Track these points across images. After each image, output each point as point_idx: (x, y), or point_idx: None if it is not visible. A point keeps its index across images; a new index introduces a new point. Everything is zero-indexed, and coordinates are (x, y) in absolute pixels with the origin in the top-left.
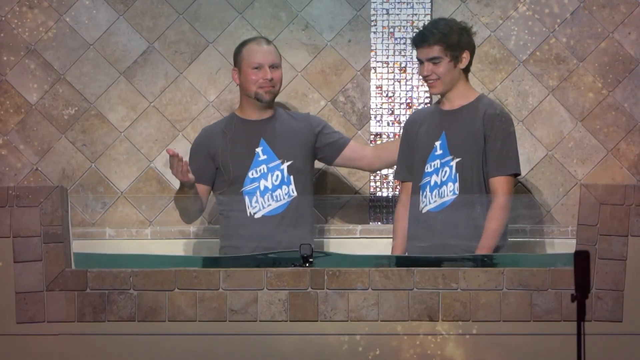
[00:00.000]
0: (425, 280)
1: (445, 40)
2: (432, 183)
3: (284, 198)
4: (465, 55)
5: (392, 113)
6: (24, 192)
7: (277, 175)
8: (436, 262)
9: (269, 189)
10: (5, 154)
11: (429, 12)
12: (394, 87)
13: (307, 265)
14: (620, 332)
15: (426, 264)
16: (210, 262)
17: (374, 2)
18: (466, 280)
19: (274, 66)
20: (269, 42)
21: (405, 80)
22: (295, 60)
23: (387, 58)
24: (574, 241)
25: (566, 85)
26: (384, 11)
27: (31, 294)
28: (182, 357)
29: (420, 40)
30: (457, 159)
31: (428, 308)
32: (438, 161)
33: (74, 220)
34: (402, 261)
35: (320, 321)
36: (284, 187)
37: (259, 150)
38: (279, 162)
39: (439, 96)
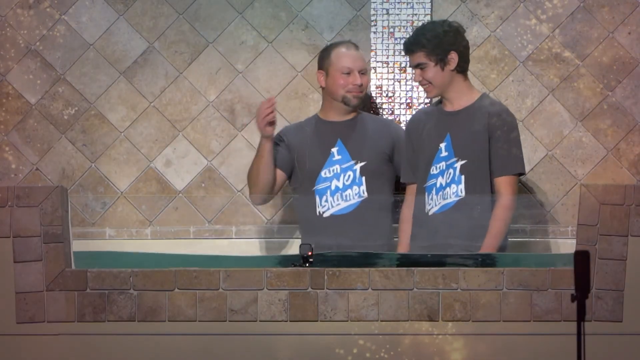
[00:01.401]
0: (425, 280)
1: (426, 46)
2: (438, 185)
3: (353, 198)
4: (452, 57)
5: (392, 113)
6: (24, 192)
7: (349, 176)
8: (437, 262)
9: (340, 188)
10: (5, 154)
11: (429, 12)
12: (394, 87)
13: (307, 265)
14: (620, 332)
15: (427, 263)
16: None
17: (374, 2)
18: (466, 280)
19: (363, 72)
20: (357, 47)
21: (405, 80)
22: (295, 60)
23: (387, 58)
24: (574, 241)
25: (566, 85)
26: (384, 11)
27: (31, 294)
28: (182, 357)
29: (405, 49)
30: (462, 161)
31: (428, 308)
32: (443, 163)
33: (74, 220)
34: (403, 259)
35: (320, 321)
36: (355, 187)
37: (334, 150)
38: (352, 162)
39: (421, 97)
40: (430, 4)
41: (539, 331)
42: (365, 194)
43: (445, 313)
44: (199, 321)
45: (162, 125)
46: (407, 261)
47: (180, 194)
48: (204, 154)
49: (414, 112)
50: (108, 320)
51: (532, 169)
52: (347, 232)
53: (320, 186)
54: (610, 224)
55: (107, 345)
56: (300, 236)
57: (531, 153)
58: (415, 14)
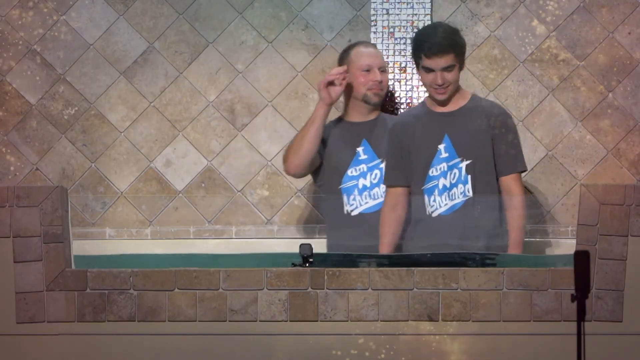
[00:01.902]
0: (425, 280)
1: (457, 48)
2: (441, 186)
3: (381, 196)
4: (464, 59)
5: (392, 113)
6: (24, 192)
7: (376, 174)
8: (438, 262)
9: (367, 187)
10: (5, 154)
11: (429, 12)
12: (393, 87)
13: (307, 265)
14: (620, 332)
15: (428, 263)
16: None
17: (374, 2)
18: (466, 280)
19: (382, 69)
20: (375, 46)
21: (405, 80)
22: (295, 60)
23: (387, 58)
24: (574, 241)
25: (566, 85)
26: (384, 11)
27: (31, 294)
28: (182, 357)
29: (436, 51)
30: (467, 161)
31: (428, 308)
32: (445, 164)
33: (74, 220)
34: (403, 260)
35: (320, 321)
36: (382, 185)
37: (359, 149)
38: (378, 161)
39: (421, 98)
40: (430, 4)
41: (539, 331)
42: None
43: (445, 313)
44: (199, 321)
45: (162, 125)
46: (425, 262)
47: (180, 194)
48: (204, 154)
49: (397, 116)
50: (108, 320)
51: (532, 169)
52: (376, 230)
53: (347, 184)
54: (610, 224)
55: (107, 345)
56: (327, 236)
57: (531, 153)
58: (415, 14)
